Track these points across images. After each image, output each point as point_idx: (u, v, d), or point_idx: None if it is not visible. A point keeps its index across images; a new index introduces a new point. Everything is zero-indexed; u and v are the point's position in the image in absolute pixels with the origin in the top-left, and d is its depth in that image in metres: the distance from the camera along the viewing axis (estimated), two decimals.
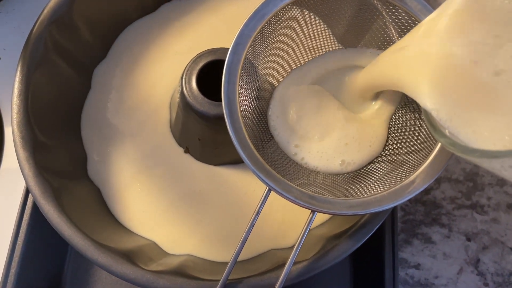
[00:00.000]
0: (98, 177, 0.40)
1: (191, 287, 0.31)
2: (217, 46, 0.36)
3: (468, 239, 0.43)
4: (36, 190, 0.33)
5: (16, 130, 0.34)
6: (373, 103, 0.34)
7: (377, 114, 0.34)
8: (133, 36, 0.44)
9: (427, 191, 0.45)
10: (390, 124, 0.34)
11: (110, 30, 0.43)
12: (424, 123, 0.32)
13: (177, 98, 0.37)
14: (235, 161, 0.40)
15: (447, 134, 0.23)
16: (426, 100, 0.23)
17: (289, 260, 0.30)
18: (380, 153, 0.33)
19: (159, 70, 0.43)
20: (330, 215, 0.38)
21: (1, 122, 0.48)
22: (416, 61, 0.25)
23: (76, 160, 0.39)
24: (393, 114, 0.34)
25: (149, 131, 0.41)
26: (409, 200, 0.44)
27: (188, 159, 0.40)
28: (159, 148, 0.41)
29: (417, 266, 0.42)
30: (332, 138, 0.33)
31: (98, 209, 0.38)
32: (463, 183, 0.45)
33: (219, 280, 0.30)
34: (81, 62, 0.41)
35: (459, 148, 0.22)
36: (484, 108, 0.22)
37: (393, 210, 0.39)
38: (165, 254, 0.37)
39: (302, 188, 0.30)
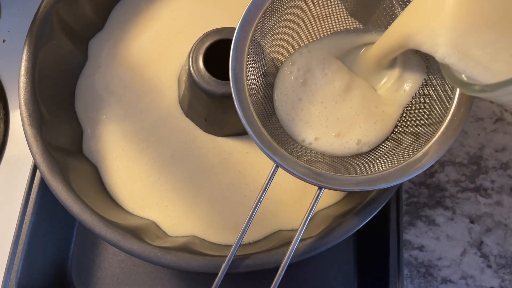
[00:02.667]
0: (92, 154, 0.39)
1: (198, 262, 0.31)
2: (220, 22, 0.36)
3: (472, 222, 0.43)
4: (44, 166, 0.33)
5: (23, 107, 0.34)
6: (389, 73, 0.33)
7: (394, 96, 0.34)
8: (130, 6, 0.43)
9: (431, 174, 0.45)
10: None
11: (109, 3, 0.43)
12: (431, 102, 0.32)
13: (183, 77, 0.37)
14: (240, 133, 0.39)
15: (470, 81, 0.23)
16: (443, 47, 0.24)
17: (295, 236, 0.30)
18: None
19: (157, 44, 0.42)
20: (337, 198, 0.38)
21: (6, 107, 0.48)
22: (431, 12, 0.25)
23: (78, 137, 0.39)
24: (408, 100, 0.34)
25: (145, 106, 0.40)
26: (413, 183, 0.45)
27: (192, 129, 0.40)
28: (158, 122, 0.40)
29: (420, 248, 0.42)
30: (341, 122, 0.33)
31: (100, 187, 0.38)
32: (467, 166, 0.45)
33: (226, 256, 0.31)
34: (82, 38, 0.41)
35: (491, 87, 0.21)
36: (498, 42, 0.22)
37: (398, 191, 0.39)
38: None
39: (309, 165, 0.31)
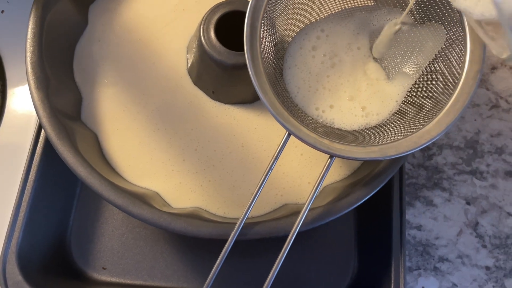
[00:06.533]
0: (90, 121, 0.38)
1: (208, 228, 0.31)
2: None
3: (468, 203, 0.44)
4: (51, 130, 0.32)
5: (30, 70, 0.33)
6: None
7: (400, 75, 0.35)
8: None
9: (429, 156, 0.46)
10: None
11: None
12: (438, 77, 0.33)
13: (193, 48, 0.37)
14: (245, 102, 0.39)
15: None
16: None
17: (306, 204, 0.30)
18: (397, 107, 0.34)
19: (161, 11, 0.41)
20: (344, 173, 0.38)
21: (4, 76, 0.47)
22: None
23: (79, 103, 0.38)
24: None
25: (147, 72, 0.39)
26: (412, 165, 0.45)
27: (200, 96, 0.39)
28: (162, 89, 0.39)
29: (418, 227, 0.43)
30: (351, 96, 0.34)
31: (101, 155, 0.37)
32: (464, 150, 0.46)
33: (235, 224, 0.31)
34: (85, 3, 0.40)
35: None
36: None
37: (401, 169, 0.39)
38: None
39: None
